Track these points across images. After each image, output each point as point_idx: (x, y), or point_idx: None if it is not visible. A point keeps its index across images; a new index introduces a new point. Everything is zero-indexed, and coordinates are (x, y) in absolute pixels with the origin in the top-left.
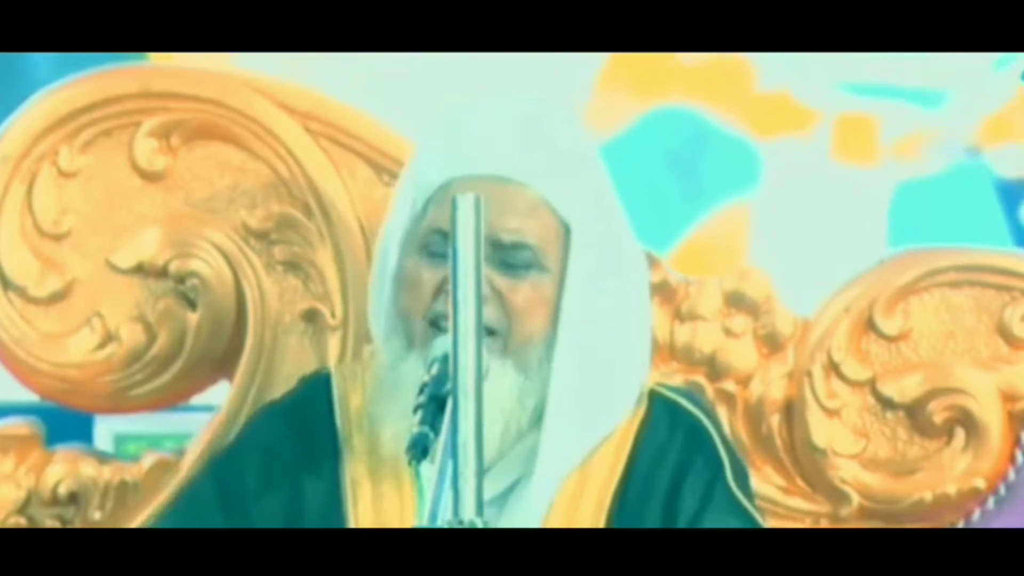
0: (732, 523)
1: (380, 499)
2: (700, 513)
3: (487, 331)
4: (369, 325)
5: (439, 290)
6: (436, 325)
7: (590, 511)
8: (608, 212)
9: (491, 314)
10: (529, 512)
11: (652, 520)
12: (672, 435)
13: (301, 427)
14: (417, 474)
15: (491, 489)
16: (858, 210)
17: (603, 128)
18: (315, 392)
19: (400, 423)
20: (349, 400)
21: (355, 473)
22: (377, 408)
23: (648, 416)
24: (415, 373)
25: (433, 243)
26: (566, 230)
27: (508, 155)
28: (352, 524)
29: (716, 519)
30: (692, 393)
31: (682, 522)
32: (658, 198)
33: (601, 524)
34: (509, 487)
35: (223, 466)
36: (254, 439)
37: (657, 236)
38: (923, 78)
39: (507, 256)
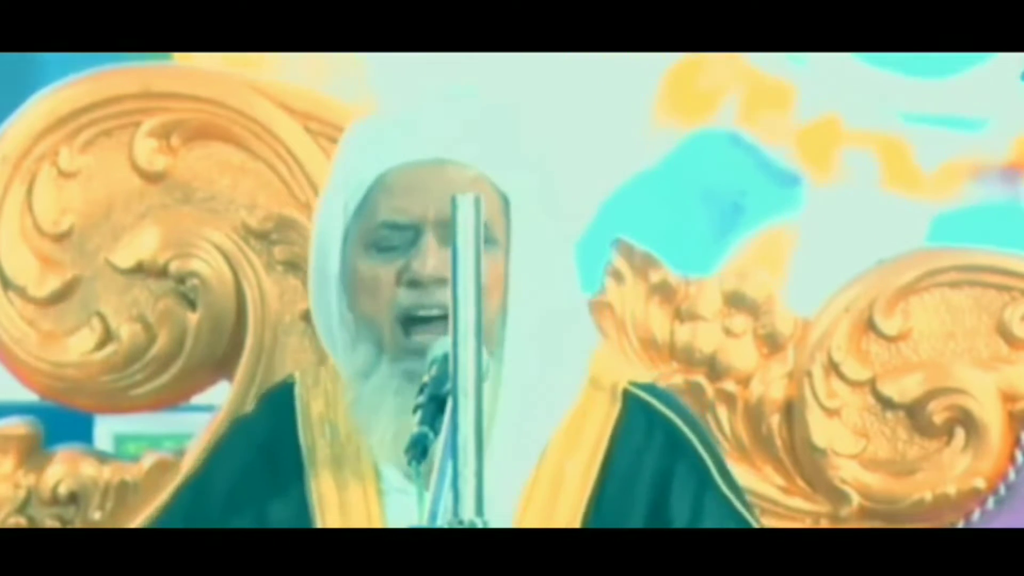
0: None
1: (347, 508)
2: (694, 522)
3: (444, 316)
4: (321, 341)
5: (399, 283)
6: (407, 324)
7: (564, 517)
8: (545, 185)
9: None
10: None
11: (634, 525)
12: (649, 439)
13: (266, 443)
14: (417, 474)
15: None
16: (899, 237)
17: (646, 151)
18: (279, 404)
19: (388, 430)
20: (310, 408)
21: (320, 486)
22: (359, 419)
23: (623, 417)
24: (392, 378)
25: (383, 238)
26: (505, 202)
27: (438, 141)
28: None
29: (712, 526)
30: (667, 393)
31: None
32: (697, 223)
33: (576, 526)
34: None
35: (191, 495)
36: (222, 463)
37: (695, 262)
38: (964, 104)
39: None
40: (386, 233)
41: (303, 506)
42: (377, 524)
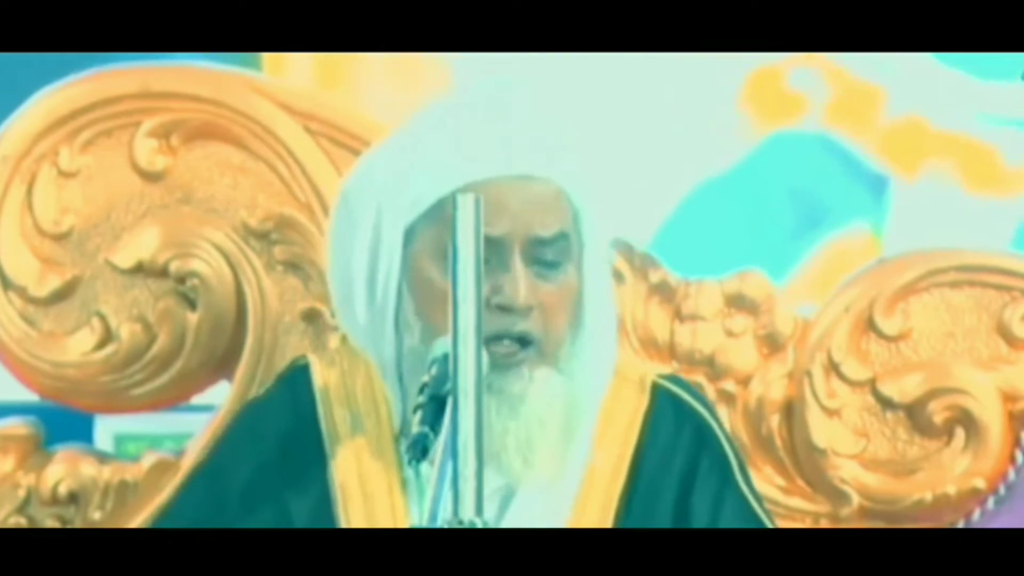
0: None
1: (369, 490)
2: (714, 520)
3: (523, 343)
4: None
5: (487, 305)
6: (489, 343)
7: (596, 509)
8: (590, 193)
9: (530, 325)
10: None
11: (662, 522)
12: (679, 432)
13: (285, 425)
14: (417, 474)
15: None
16: (984, 238)
17: (730, 151)
18: (295, 385)
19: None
20: (328, 388)
21: (341, 466)
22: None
23: (652, 409)
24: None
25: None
26: (576, 217)
27: (513, 154)
28: (343, 514)
29: (730, 525)
30: (694, 388)
31: (696, 527)
32: (779, 224)
33: (608, 523)
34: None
35: (209, 478)
36: (239, 445)
37: (775, 262)
38: None
39: (545, 252)
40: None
41: (324, 486)
42: (400, 511)
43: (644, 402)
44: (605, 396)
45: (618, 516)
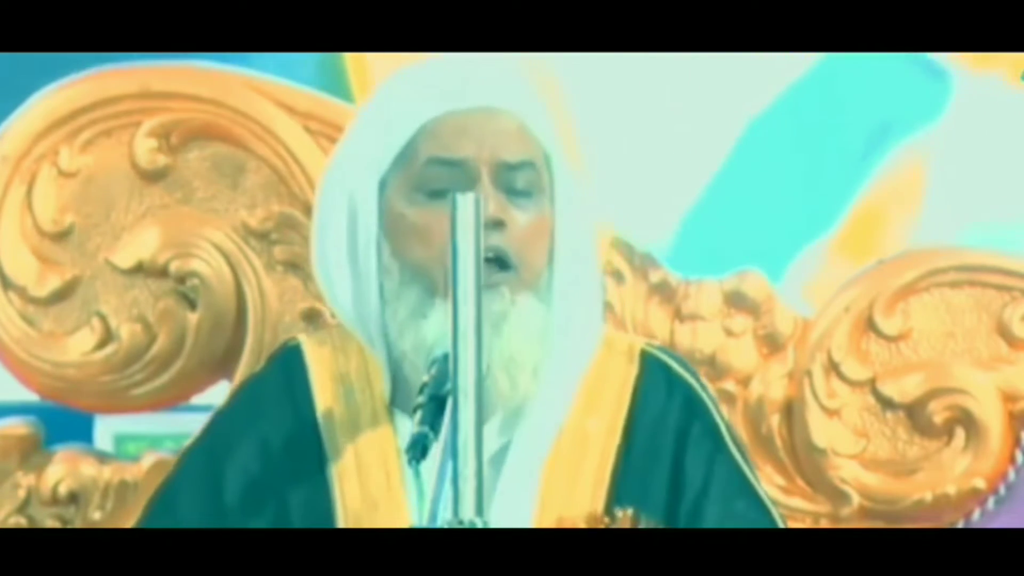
0: (738, 500)
1: (365, 471)
2: (706, 488)
3: (501, 264)
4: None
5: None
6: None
7: (590, 478)
8: (571, 148)
9: (504, 242)
10: (525, 470)
11: (657, 489)
12: (670, 399)
13: (280, 408)
14: (416, 473)
15: (497, 442)
16: None
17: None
18: (288, 366)
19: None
20: (322, 367)
21: (338, 447)
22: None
23: (642, 376)
24: (443, 317)
25: (433, 178)
26: (547, 157)
27: (483, 91)
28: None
29: (721, 493)
30: (680, 356)
31: (688, 495)
32: (845, 142)
33: (603, 493)
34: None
35: (205, 454)
36: (235, 425)
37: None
38: None
39: (514, 178)
40: (435, 172)
41: (321, 469)
42: (396, 484)
43: (634, 370)
44: (593, 364)
45: (613, 480)
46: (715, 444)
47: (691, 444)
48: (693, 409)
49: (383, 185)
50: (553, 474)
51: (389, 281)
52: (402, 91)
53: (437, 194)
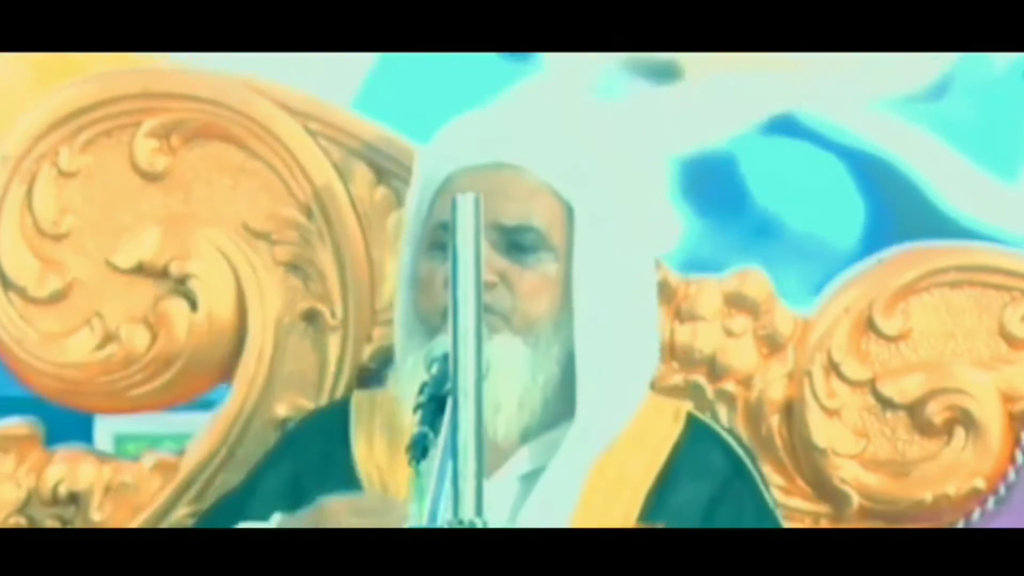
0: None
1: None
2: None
3: (493, 313)
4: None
5: (445, 284)
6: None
7: (620, 511)
8: (612, 192)
9: (498, 299)
10: (556, 507)
11: (688, 519)
12: (711, 453)
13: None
14: (417, 473)
15: (517, 469)
16: None
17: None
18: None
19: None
20: (360, 441)
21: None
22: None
23: (686, 432)
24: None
25: (440, 237)
26: (569, 211)
27: (507, 144)
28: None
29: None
30: (733, 431)
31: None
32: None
33: (633, 517)
34: (531, 473)
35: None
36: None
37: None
38: None
39: (513, 239)
40: (441, 233)
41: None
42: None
43: (677, 428)
44: (637, 417)
45: (645, 510)
46: (756, 504)
47: (728, 495)
48: (733, 464)
49: (410, 238)
50: (587, 502)
51: (399, 336)
52: (451, 139)
53: (441, 249)
